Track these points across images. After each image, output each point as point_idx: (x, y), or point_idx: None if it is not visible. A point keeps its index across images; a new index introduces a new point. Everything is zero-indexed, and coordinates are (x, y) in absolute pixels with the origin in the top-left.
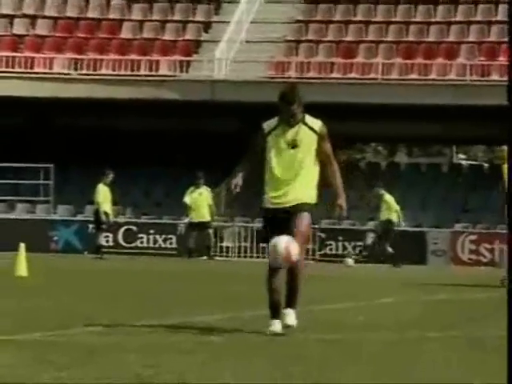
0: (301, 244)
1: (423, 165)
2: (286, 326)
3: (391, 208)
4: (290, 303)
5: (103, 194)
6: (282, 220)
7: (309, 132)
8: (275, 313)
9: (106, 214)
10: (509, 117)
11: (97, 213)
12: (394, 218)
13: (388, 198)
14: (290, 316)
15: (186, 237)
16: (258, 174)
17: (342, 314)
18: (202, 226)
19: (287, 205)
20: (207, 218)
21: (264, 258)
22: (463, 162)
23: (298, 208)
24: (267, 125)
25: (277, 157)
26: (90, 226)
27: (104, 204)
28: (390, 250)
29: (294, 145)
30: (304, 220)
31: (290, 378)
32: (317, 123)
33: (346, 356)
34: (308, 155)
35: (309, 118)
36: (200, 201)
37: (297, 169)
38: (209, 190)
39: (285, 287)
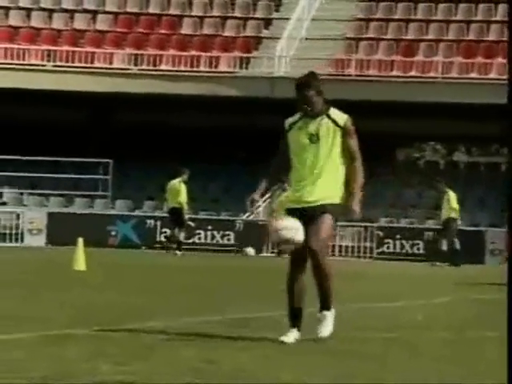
0: (320, 249)
1: (482, 164)
2: (318, 339)
3: (453, 206)
4: (324, 305)
5: (184, 193)
6: (303, 222)
7: (332, 125)
8: (293, 321)
9: (183, 211)
10: (509, 116)
11: (178, 211)
12: (455, 215)
13: (452, 195)
14: (325, 323)
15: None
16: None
17: (399, 312)
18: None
19: (307, 205)
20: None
21: None
22: None
23: (320, 210)
24: (288, 120)
25: (298, 153)
26: (148, 221)
27: (185, 202)
28: (444, 248)
29: (315, 138)
30: (325, 223)
31: (351, 377)
32: (342, 116)
33: (406, 354)
34: (332, 150)
35: (334, 111)
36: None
37: (319, 165)
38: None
39: (316, 291)
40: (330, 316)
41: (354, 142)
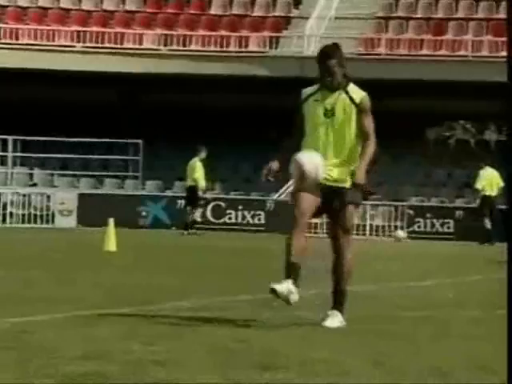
0: (346, 244)
1: None
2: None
3: (492, 183)
4: (336, 304)
5: (200, 170)
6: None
7: (348, 102)
8: (288, 273)
9: (203, 190)
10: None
11: (193, 189)
12: (494, 193)
13: (489, 172)
14: (334, 318)
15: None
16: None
17: (430, 291)
18: None
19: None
20: None
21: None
22: None
23: (339, 196)
24: (305, 91)
25: (311, 126)
26: (179, 201)
27: (201, 180)
28: (488, 226)
29: (330, 113)
30: (349, 215)
31: (383, 356)
32: (359, 93)
33: (437, 333)
34: (346, 127)
35: (352, 87)
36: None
37: (332, 142)
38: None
39: (331, 286)
40: (339, 317)
41: (368, 121)
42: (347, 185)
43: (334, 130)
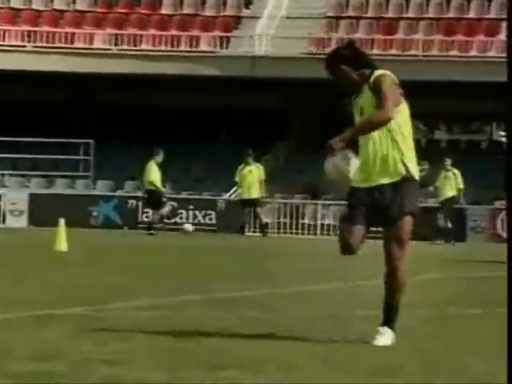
0: (400, 255)
1: (463, 142)
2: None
3: (456, 184)
4: (387, 321)
5: (155, 173)
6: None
7: (368, 92)
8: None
9: (159, 191)
10: (509, 94)
11: (151, 191)
12: (456, 194)
13: (459, 174)
14: (384, 336)
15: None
16: None
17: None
18: (251, 203)
19: (371, 185)
20: (256, 195)
21: (303, 234)
22: (503, 139)
23: (395, 203)
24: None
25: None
26: (130, 201)
27: (157, 182)
28: (443, 225)
29: (362, 112)
30: (405, 224)
31: (331, 353)
32: (374, 76)
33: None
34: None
35: (375, 73)
36: (250, 178)
37: (373, 142)
38: (260, 166)
39: (383, 301)
40: (389, 334)
41: (383, 93)
42: (398, 178)
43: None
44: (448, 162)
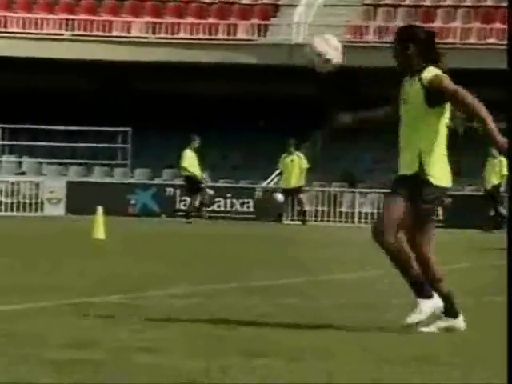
0: (385, 232)
1: (503, 130)
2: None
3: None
4: (445, 311)
5: (189, 160)
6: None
7: (419, 87)
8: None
9: (195, 178)
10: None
11: (188, 178)
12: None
13: (504, 162)
14: (441, 322)
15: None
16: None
17: None
18: (293, 192)
19: (401, 174)
20: (299, 183)
21: (340, 222)
22: None
23: (397, 184)
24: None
25: (400, 115)
26: (168, 189)
27: (192, 168)
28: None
29: (405, 101)
30: (391, 202)
31: (369, 341)
32: (428, 74)
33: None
34: (417, 116)
35: (428, 70)
36: (291, 167)
37: (408, 132)
38: (301, 155)
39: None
40: (449, 321)
41: (446, 87)
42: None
43: (406, 120)
44: (493, 149)
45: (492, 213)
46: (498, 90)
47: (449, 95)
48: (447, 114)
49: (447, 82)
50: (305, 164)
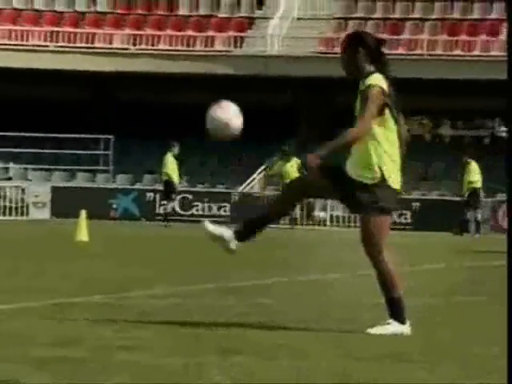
0: (375, 248)
1: (466, 137)
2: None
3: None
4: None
5: (171, 165)
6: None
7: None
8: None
9: (174, 183)
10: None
11: (167, 183)
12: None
13: (474, 166)
14: (383, 327)
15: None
16: None
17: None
18: None
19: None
20: None
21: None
22: (505, 135)
23: (358, 200)
24: None
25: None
26: (148, 194)
27: (173, 174)
28: (474, 216)
29: (355, 106)
30: (367, 219)
31: (341, 340)
32: (367, 81)
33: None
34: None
35: (371, 77)
36: (293, 172)
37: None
38: (298, 161)
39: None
40: (393, 326)
41: (366, 104)
42: (369, 181)
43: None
44: (466, 157)
45: (465, 217)
46: (462, 98)
47: (365, 99)
48: (391, 123)
49: (376, 95)
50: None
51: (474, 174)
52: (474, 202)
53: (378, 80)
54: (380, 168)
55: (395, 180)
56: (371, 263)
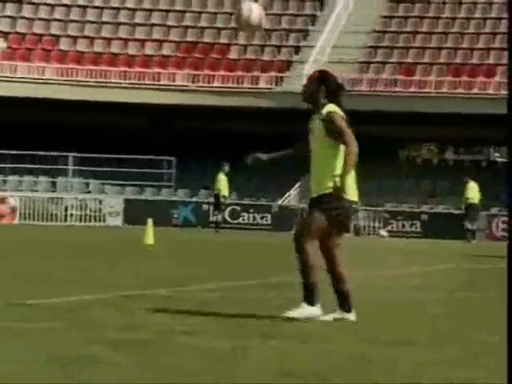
0: (304, 239)
1: (466, 161)
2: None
3: (475, 193)
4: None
5: (222, 182)
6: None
7: (319, 120)
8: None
9: (224, 197)
10: (509, 125)
11: (217, 196)
12: (473, 202)
13: (472, 185)
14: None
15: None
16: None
17: (395, 279)
18: None
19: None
20: None
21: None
22: (499, 160)
23: (314, 202)
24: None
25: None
26: (204, 205)
27: (223, 189)
28: (469, 226)
29: (312, 132)
30: (312, 216)
31: (362, 326)
32: (325, 110)
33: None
34: (321, 145)
35: (327, 106)
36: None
37: (315, 159)
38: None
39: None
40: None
41: (337, 126)
42: (323, 192)
43: (313, 149)
44: (466, 177)
45: (469, 226)
46: (463, 129)
47: (336, 128)
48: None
49: (340, 118)
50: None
51: (472, 192)
52: (470, 214)
53: (335, 108)
54: (341, 180)
55: (352, 193)
56: (295, 249)
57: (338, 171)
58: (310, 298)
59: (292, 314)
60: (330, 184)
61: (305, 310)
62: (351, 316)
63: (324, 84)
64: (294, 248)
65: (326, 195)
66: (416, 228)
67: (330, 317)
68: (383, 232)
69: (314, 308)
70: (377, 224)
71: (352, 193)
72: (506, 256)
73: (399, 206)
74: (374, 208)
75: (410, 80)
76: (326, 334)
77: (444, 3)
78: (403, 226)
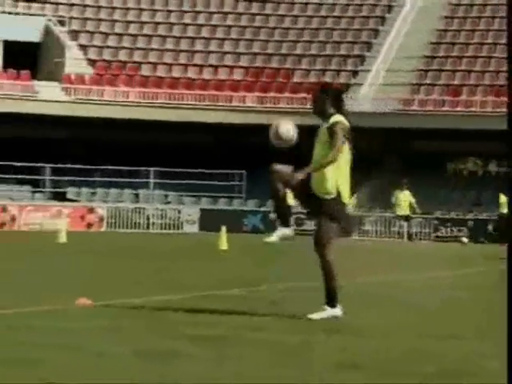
0: (325, 246)
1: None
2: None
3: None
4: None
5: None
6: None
7: (325, 128)
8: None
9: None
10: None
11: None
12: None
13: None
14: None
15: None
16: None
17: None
18: (405, 218)
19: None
20: (408, 212)
21: (390, 238)
22: None
23: (318, 206)
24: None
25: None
26: (270, 214)
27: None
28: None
29: (318, 139)
30: (326, 225)
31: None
32: (331, 120)
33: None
34: (322, 149)
35: (334, 117)
36: (403, 199)
37: (315, 162)
38: (409, 192)
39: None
40: (328, 311)
41: (335, 137)
42: (327, 197)
43: (316, 153)
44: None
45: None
46: (504, 144)
47: (334, 136)
48: (346, 153)
49: (340, 130)
50: (412, 198)
51: (502, 203)
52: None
53: (340, 118)
54: (337, 187)
55: (346, 196)
56: (319, 258)
57: (336, 175)
58: (332, 301)
59: (314, 316)
60: (328, 187)
61: (326, 312)
62: (338, 311)
63: (327, 94)
64: (317, 255)
65: (328, 202)
66: (464, 233)
67: (318, 315)
68: (464, 239)
69: (336, 309)
70: (427, 230)
71: (346, 195)
72: (506, 256)
73: (448, 213)
74: (425, 216)
75: (457, 100)
76: (384, 330)
77: (488, 31)
78: (452, 231)
